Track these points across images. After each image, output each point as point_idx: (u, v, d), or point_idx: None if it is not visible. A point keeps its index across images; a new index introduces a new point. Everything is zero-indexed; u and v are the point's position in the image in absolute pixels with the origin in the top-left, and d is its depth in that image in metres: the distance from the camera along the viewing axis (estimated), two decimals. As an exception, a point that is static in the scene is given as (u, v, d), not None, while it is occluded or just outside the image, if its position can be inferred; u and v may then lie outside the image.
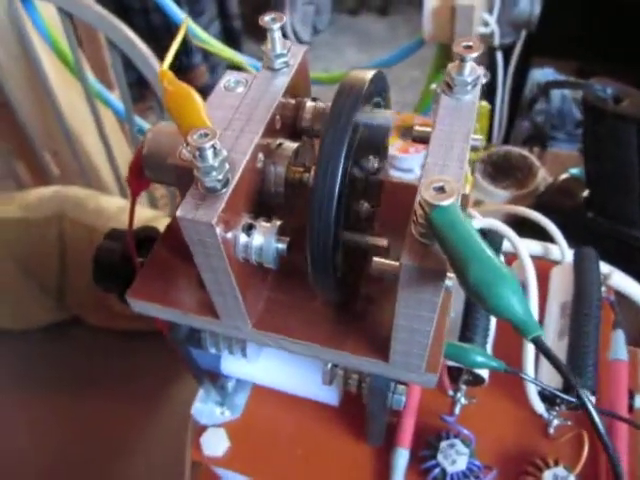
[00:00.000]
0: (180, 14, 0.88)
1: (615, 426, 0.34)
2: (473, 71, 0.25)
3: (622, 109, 0.46)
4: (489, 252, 0.18)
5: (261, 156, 0.25)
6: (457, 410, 0.37)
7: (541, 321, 0.38)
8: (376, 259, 0.24)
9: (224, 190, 0.23)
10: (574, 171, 0.60)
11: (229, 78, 0.28)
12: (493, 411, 0.37)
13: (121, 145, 1.08)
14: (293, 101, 0.29)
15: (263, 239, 0.24)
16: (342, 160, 0.22)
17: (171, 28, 1.42)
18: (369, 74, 0.24)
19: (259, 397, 0.40)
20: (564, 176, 0.60)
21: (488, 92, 0.81)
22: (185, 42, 1.48)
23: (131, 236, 0.35)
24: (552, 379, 0.35)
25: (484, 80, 0.60)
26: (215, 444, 0.37)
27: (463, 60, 0.24)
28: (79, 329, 0.95)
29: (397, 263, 0.23)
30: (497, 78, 0.76)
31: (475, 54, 0.24)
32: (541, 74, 1.28)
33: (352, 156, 0.24)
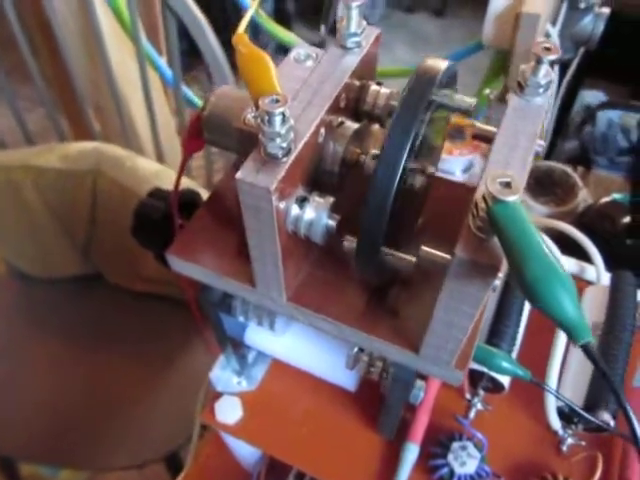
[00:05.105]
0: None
1: (631, 453, 0.34)
2: (547, 74, 0.25)
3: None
4: (548, 251, 0.18)
5: (323, 131, 0.25)
6: (472, 414, 0.37)
7: (569, 338, 0.38)
8: (424, 248, 0.24)
9: (285, 159, 0.23)
10: (618, 196, 0.59)
11: (299, 51, 0.28)
12: (507, 420, 0.37)
13: (163, 110, 1.09)
14: (358, 83, 0.29)
15: (314, 214, 0.24)
16: (405, 153, 0.22)
17: (226, 1, 1.43)
18: (444, 64, 0.24)
19: (276, 372, 0.40)
20: (606, 199, 0.59)
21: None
22: (237, 17, 1.49)
23: (176, 197, 0.35)
24: (573, 396, 0.34)
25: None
26: (228, 412, 0.37)
27: (539, 62, 0.24)
28: (101, 285, 0.97)
29: (445, 255, 0.24)
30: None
31: (553, 57, 0.24)
32: (591, 96, 1.26)
33: (414, 148, 0.24)
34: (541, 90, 0.25)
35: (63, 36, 0.89)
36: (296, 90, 0.26)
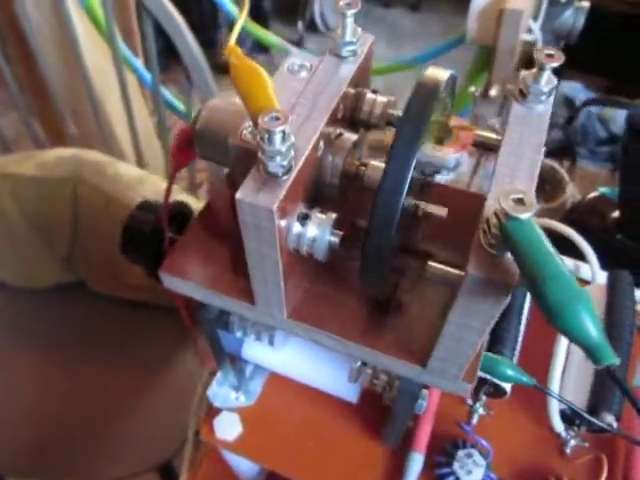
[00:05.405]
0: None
1: (634, 452, 0.34)
2: (550, 81, 0.24)
3: (667, 133, 0.45)
4: (566, 270, 0.17)
5: (322, 145, 0.25)
6: (474, 420, 0.37)
7: (568, 340, 0.38)
8: (432, 264, 0.23)
9: (285, 177, 0.22)
10: (604, 190, 0.59)
11: (293, 61, 0.27)
12: (510, 424, 0.37)
13: (142, 113, 1.07)
14: (353, 91, 0.28)
15: (317, 231, 0.24)
16: (412, 167, 0.21)
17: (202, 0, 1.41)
18: (445, 75, 0.23)
19: (275, 386, 0.39)
20: (594, 194, 0.59)
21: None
22: (214, 17, 1.47)
23: (166, 210, 0.34)
24: (575, 398, 0.34)
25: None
26: (228, 428, 0.37)
27: (542, 69, 0.24)
28: (84, 294, 0.95)
29: (455, 270, 0.23)
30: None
31: (556, 63, 0.23)
32: (570, 88, 1.27)
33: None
34: (543, 97, 0.24)
35: (36, 40, 0.87)
36: (292, 103, 0.25)
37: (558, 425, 0.35)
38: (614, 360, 0.17)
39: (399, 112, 0.28)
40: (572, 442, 0.36)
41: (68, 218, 0.89)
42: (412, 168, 0.21)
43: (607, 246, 0.53)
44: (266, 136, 0.21)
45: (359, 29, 0.27)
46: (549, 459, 0.36)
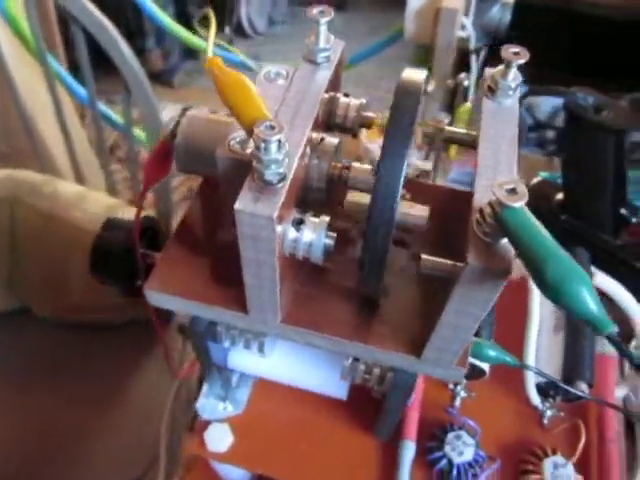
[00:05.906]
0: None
1: (606, 415, 0.36)
2: (516, 77, 0.26)
3: (601, 119, 0.49)
4: (562, 250, 0.19)
5: (308, 150, 0.25)
6: (457, 403, 0.38)
7: (534, 316, 0.40)
8: (425, 257, 0.24)
9: (280, 184, 0.22)
10: (544, 175, 0.63)
11: (269, 69, 0.27)
12: (490, 403, 0.39)
13: (77, 128, 1.03)
14: (326, 95, 0.29)
15: (313, 235, 0.24)
16: (404, 169, 0.22)
17: (126, 7, 1.37)
18: (422, 76, 0.24)
19: (261, 391, 0.39)
20: (537, 180, 0.62)
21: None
22: (140, 24, 1.43)
23: (138, 227, 0.34)
24: (549, 371, 0.37)
25: (465, 83, 0.61)
26: (219, 439, 0.36)
27: (509, 66, 0.25)
28: (27, 320, 0.90)
29: (448, 261, 0.24)
30: (471, 81, 0.79)
31: (522, 60, 0.25)
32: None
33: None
34: (511, 92, 0.26)
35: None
36: (274, 111, 0.25)
37: (535, 398, 0.38)
38: (612, 329, 0.18)
39: (372, 114, 0.29)
40: (549, 413, 0.38)
41: (6, 240, 0.85)
42: (404, 170, 0.22)
43: (554, 227, 0.56)
44: (262, 145, 0.21)
45: (332, 36, 0.27)
46: (531, 431, 0.38)
